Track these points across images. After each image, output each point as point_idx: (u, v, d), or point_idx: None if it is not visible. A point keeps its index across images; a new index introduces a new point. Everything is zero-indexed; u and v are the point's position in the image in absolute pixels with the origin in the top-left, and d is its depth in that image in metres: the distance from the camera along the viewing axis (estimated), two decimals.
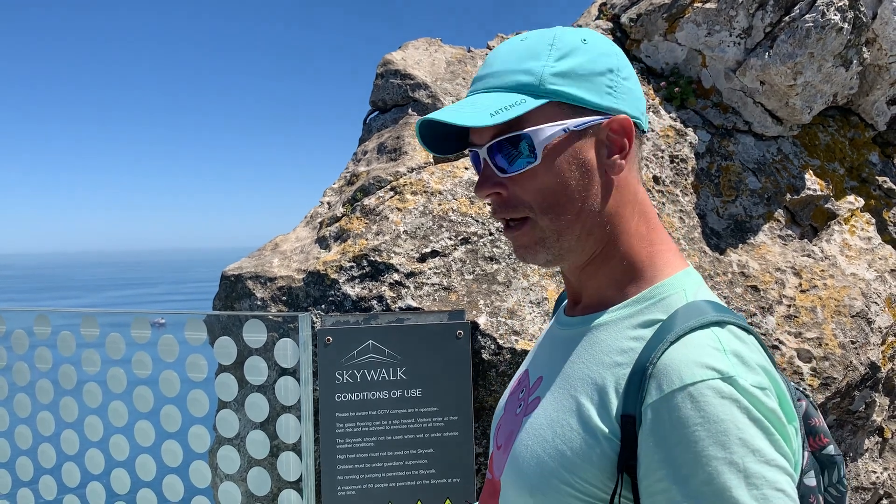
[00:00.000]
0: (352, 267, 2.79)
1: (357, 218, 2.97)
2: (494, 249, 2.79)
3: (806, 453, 1.00)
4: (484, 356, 2.57)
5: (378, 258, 2.77)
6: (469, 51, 3.82)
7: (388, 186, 3.02)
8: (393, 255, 2.78)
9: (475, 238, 2.81)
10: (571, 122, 0.94)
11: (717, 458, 0.78)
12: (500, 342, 2.58)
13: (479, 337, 2.59)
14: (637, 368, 0.88)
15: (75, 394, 2.68)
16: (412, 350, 2.45)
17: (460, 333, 2.49)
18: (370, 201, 3.00)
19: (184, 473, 2.53)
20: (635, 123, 0.98)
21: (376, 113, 3.60)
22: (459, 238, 2.81)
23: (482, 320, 2.61)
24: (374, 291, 2.73)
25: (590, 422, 0.90)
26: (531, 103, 0.92)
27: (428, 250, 2.79)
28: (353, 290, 2.74)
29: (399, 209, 2.91)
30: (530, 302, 2.68)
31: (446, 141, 1.03)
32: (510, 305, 2.66)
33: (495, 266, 2.76)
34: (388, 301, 2.71)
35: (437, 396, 2.44)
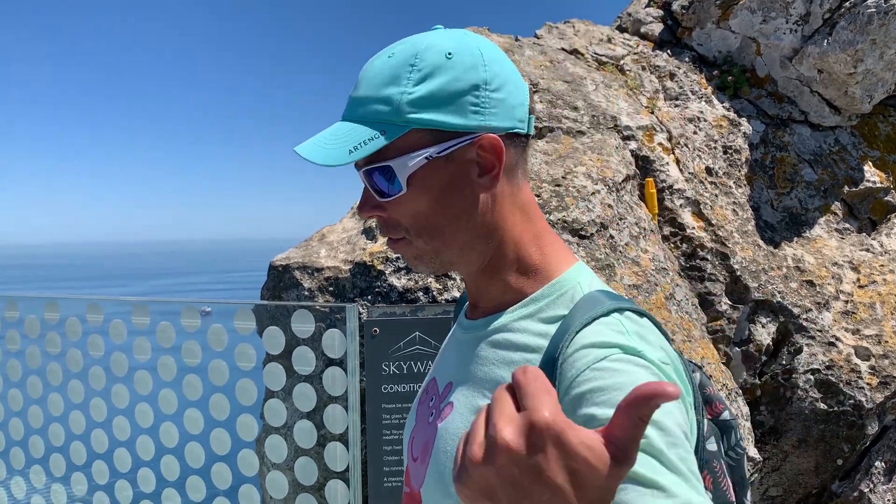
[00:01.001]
0: (398, 258, 2.77)
1: None
2: None
3: (706, 421, 1.03)
4: None
5: None
6: (517, 39, 3.77)
7: None
8: None
9: None
10: (433, 149, 0.92)
11: None
12: None
13: None
14: (545, 361, 0.88)
15: (126, 381, 2.72)
16: None
17: None
18: None
19: (232, 462, 2.55)
20: (514, 132, 0.96)
21: None
22: None
23: None
24: (420, 283, 2.72)
25: None
26: (388, 137, 0.92)
27: None
28: (399, 282, 2.73)
29: None
30: None
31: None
32: None
33: None
34: (434, 293, 2.69)
35: None
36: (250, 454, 2.55)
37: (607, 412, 0.78)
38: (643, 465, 0.73)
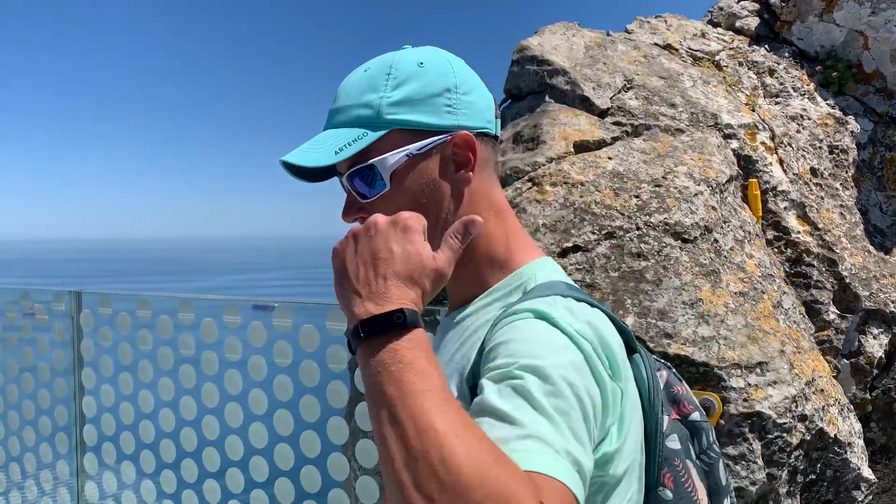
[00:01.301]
0: None
1: None
2: (642, 245, 2.63)
3: (667, 418, 1.07)
4: None
5: None
6: (608, 34, 3.65)
7: (526, 177, 2.90)
8: None
9: (620, 232, 2.65)
10: (413, 147, 1.00)
11: (520, 361, 0.80)
12: (650, 345, 2.41)
13: None
14: (486, 339, 0.94)
15: (217, 380, 2.71)
16: None
17: None
18: (507, 193, 2.89)
19: (322, 465, 2.51)
20: (483, 132, 1.04)
21: (509, 101, 3.49)
22: (603, 232, 2.66)
23: (630, 321, 2.46)
24: None
25: None
26: (371, 136, 1.00)
27: (569, 245, 2.66)
28: None
29: (538, 201, 2.79)
30: (683, 303, 2.50)
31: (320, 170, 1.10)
32: (661, 306, 2.49)
33: (643, 263, 2.59)
34: None
35: None
36: (340, 458, 2.50)
37: (500, 362, 0.82)
38: (509, 402, 0.76)
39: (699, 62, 3.68)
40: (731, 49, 3.84)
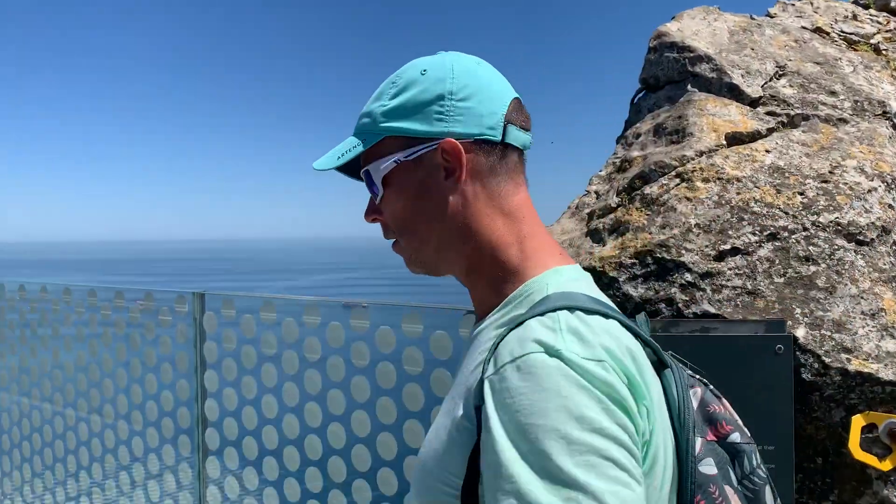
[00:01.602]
0: (633, 264, 2.47)
1: (636, 209, 2.64)
2: (811, 248, 2.35)
3: (699, 440, 1.02)
4: (804, 376, 2.15)
5: (665, 255, 2.43)
6: (752, 18, 3.36)
7: (673, 173, 2.66)
8: (683, 251, 2.42)
9: (785, 234, 2.38)
10: (402, 154, 1.03)
11: (538, 425, 0.78)
12: (826, 360, 2.14)
13: (798, 353, 2.17)
14: (488, 359, 0.91)
15: (343, 386, 2.60)
16: (718, 365, 2.08)
17: (780, 348, 2.09)
18: (652, 190, 2.65)
19: None
20: (484, 138, 1.02)
21: (644, 92, 3.25)
22: (765, 233, 2.40)
23: (800, 333, 2.19)
24: (662, 293, 2.40)
25: (456, 417, 0.94)
26: (365, 144, 1.04)
27: (726, 247, 2.41)
28: (635, 291, 2.43)
29: (688, 199, 2.55)
30: (862, 313, 2.21)
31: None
32: (836, 316, 2.21)
33: (813, 268, 2.31)
34: (679, 305, 2.36)
35: (749, 422, 2.06)
36: None
37: (515, 421, 0.79)
38: (534, 483, 0.75)
39: (855, 46, 3.33)
40: (887, 31, 3.48)
